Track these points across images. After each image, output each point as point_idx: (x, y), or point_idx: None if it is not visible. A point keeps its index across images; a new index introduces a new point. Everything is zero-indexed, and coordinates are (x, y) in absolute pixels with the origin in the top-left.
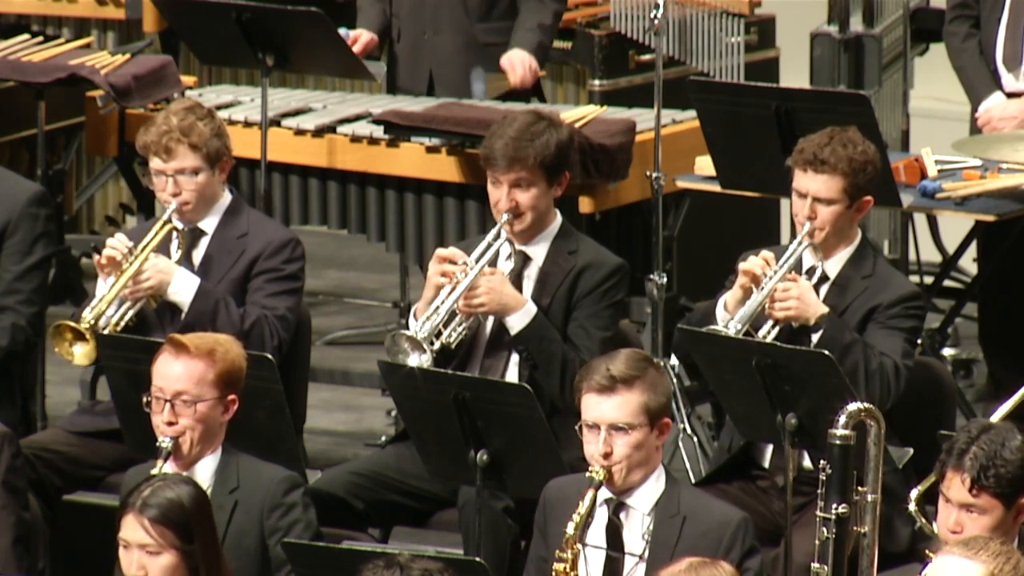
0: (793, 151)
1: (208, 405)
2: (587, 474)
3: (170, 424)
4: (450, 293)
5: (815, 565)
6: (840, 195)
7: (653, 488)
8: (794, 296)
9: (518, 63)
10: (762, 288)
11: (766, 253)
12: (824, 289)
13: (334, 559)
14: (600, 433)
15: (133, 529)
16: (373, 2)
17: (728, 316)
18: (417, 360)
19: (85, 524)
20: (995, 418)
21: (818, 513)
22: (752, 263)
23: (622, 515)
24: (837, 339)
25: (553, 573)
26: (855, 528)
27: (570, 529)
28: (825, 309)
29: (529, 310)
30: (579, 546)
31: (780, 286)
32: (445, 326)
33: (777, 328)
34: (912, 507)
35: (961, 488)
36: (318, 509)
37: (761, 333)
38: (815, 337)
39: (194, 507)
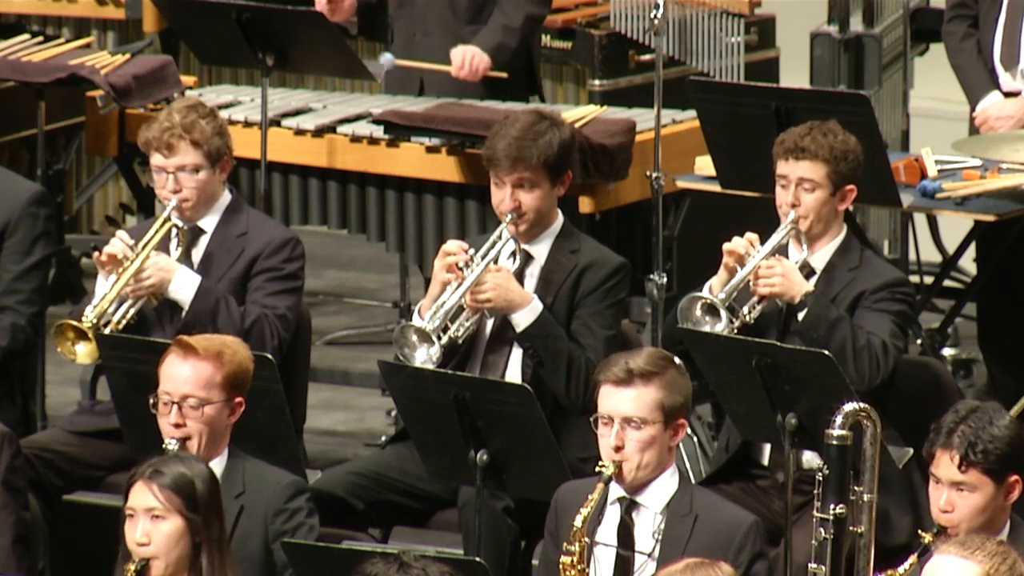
0: (774, 145)
1: (215, 408)
2: (597, 468)
3: (177, 426)
4: (456, 288)
5: (812, 565)
6: (823, 180)
7: (666, 487)
8: (778, 273)
9: (467, 58)
10: (747, 266)
11: (750, 235)
12: (811, 282)
13: (334, 559)
14: (613, 426)
15: (141, 494)
16: None
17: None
18: (425, 353)
19: (85, 524)
20: None
21: (815, 514)
22: (736, 243)
23: (634, 514)
24: (823, 316)
25: (560, 566)
26: (852, 528)
27: (578, 522)
28: (810, 287)
29: (535, 307)
30: (587, 539)
31: (764, 263)
32: (452, 320)
33: (761, 305)
34: None
35: (950, 466)
36: (318, 509)
37: (745, 309)
38: (801, 315)
39: (204, 485)
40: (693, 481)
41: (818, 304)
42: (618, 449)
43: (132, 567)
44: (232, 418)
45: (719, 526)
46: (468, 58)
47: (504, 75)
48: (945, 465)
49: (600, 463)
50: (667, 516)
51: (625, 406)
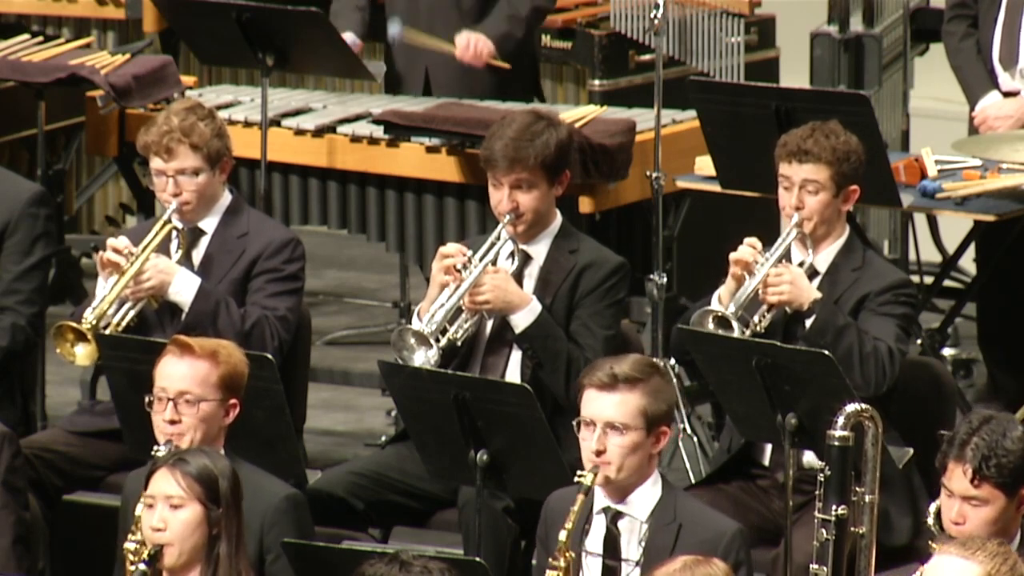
0: (776, 147)
1: (211, 406)
2: (576, 478)
3: (172, 423)
4: (455, 290)
5: (814, 566)
6: (827, 182)
7: (649, 495)
8: (787, 281)
9: (472, 41)
10: (755, 275)
11: (751, 240)
12: (815, 283)
13: (334, 559)
14: (595, 430)
15: (163, 480)
16: (353, 9)
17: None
18: (423, 355)
19: (85, 524)
20: None
21: (817, 515)
22: (743, 251)
23: (619, 523)
24: (830, 322)
25: None
26: (853, 529)
27: (562, 536)
28: (818, 294)
29: (534, 308)
30: (571, 554)
31: (772, 271)
32: (451, 322)
33: (771, 313)
34: (931, 520)
35: (963, 479)
36: (318, 509)
37: (755, 318)
38: (809, 322)
39: (226, 480)
40: (692, 480)
41: (826, 311)
42: (599, 453)
43: (145, 552)
44: (226, 420)
45: (705, 534)
46: (473, 42)
47: (507, 65)
48: (958, 478)
49: (579, 473)
50: (652, 524)
51: (608, 411)
